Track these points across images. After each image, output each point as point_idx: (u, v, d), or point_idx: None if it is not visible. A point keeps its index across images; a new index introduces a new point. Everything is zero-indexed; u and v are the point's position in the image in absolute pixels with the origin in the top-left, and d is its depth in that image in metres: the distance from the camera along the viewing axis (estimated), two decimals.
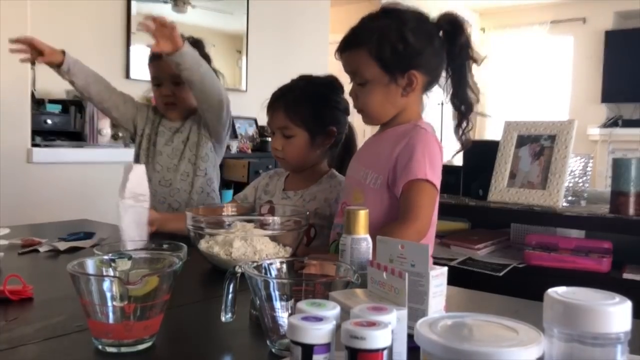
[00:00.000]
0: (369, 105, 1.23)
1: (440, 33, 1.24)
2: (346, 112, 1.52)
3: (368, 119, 1.27)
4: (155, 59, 1.74)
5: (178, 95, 1.74)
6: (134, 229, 1.31)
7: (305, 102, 1.44)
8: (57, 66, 1.70)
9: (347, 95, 1.54)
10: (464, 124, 1.23)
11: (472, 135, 1.30)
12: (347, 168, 1.36)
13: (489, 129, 6.96)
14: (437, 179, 1.17)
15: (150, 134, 1.82)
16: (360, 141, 1.64)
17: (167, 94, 1.74)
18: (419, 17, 1.23)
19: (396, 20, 1.20)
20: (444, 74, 1.25)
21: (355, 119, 1.48)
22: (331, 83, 1.52)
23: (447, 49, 1.23)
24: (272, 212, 1.37)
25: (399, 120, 1.24)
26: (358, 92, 1.24)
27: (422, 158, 1.15)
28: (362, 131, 1.65)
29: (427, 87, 1.25)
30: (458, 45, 1.23)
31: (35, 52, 1.65)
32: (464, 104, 1.24)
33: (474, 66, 1.26)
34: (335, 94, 1.51)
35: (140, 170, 1.36)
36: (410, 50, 1.18)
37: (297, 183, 1.52)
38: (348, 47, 1.23)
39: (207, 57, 1.78)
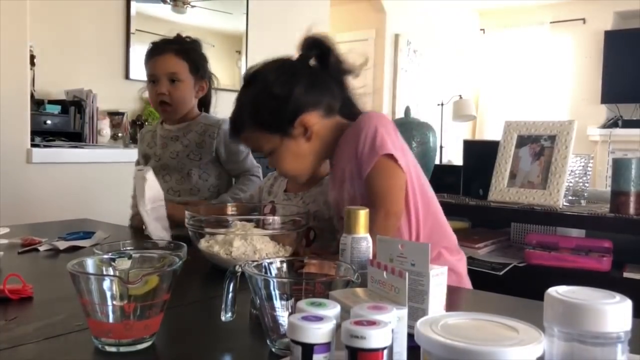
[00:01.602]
0: (287, 168, 1.24)
1: (312, 60, 1.24)
2: None
3: (298, 179, 1.28)
4: (153, 56, 1.72)
5: (173, 94, 1.71)
6: (159, 228, 1.42)
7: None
8: None
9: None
10: None
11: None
12: (331, 200, 1.34)
13: (489, 129, 6.96)
14: (397, 151, 1.15)
15: (153, 152, 1.82)
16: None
17: (163, 92, 1.70)
18: (278, 67, 1.23)
19: (258, 84, 1.21)
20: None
21: None
22: None
23: (326, 75, 1.23)
24: (273, 212, 1.37)
25: (335, 140, 1.25)
26: (273, 162, 1.25)
27: (375, 137, 1.14)
28: None
29: (331, 110, 1.24)
30: (331, 64, 1.23)
31: None
32: (348, 117, 1.26)
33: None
34: None
35: (152, 177, 1.44)
36: (283, 103, 1.18)
37: (298, 185, 1.52)
38: (236, 133, 1.26)
39: (204, 59, 1.78)
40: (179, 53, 1.71)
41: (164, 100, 1.71)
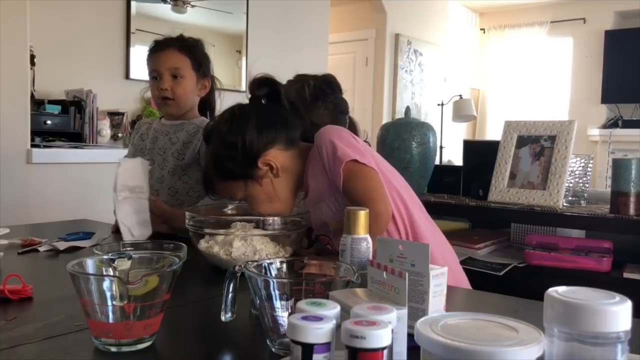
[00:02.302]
0: (266, 210, 1.24)
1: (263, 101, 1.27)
2: (345, 111, 1.51)
3: (287, 212, 1.27)
4: (156, 51, 1.71)
5: (176, 89, 1.69)
6: (132, 220, 1.34)
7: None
8: None
9: (345, 95, 1.54)
10: None
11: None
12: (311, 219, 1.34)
13: (489, 129, 6.97)
14: (360, 154, 1.15)
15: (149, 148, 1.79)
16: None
17: (165, 88, 1.68)
18: (229, 116, 1.25)
19: (214, 138, 1.25)
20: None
21: (355, 115, 1.47)
22: (327, 83, 1.51)
23: (279, 110, 1.26)
24: None
25: (304, 166, 1.26)
26: (254, 206, 1.26)
27: (334, 149, 1.15)
28: (362, 132, 1.65)
29: (294, 140, 1.26)
30: (282, 100, 1.26)
31: None
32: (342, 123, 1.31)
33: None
34: (333, 95, 1.49)
35: (130, 164, 1.40)
36: (239, 151, 1.20)
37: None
38: (209, 188, 1.30)
39: (206, 57, 1.77)
40: (182, 49, 1.70)
41: (166, 96, 1.69)
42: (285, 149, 1.24)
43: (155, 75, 1.70)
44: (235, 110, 1.25)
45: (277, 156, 1.22)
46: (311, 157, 1.23)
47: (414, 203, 1.25)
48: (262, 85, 1.26)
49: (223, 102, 1.83)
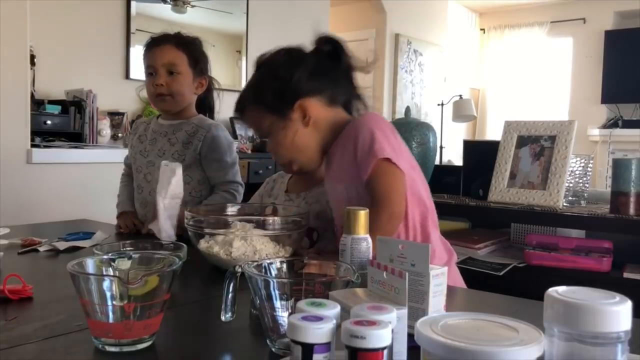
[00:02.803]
0: (284, 153, 1.25)
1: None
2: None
3: (298, 167, 1.28)
4: (152, 47, 1.69)
5: (172, 86, 1.66)
6: (169, 224, 1.39)
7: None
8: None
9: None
10: None
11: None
12: (326, 188, 1.35)
13: (489, 129, 6.97)
14: (396, 154, 1.15)
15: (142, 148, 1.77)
16: None
17: (160, 83, 1.65)
18: (287, 52, 1.27)
19: (265, 66, 1.26)
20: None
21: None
22: None
23: (335, 67, 1.26)
24: (274, 213, 1.36)
25: (335, 135, 1.25)
26: (270, 146, 1.27)
27: (372, 140, 1.15)
28: None
29: (334, 101, 1.26)
30: (342, 62, 1.26)
31: None
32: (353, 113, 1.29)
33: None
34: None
35: (180, 172, 1.42)
36: (285, 84, 1.20)
37: (300, 185, 1.51)
38: (240, 111, 1.29)
39: (204, 56, 1.75)
40: (178, 45, 1.68)
41: (161, 92, 1.66)
42: (325, 105, 1.24)
43: (151, 71, 1.67)
44: (294, 51, 1.26)
45: (315, 107, 1.22)
46: (345, 134, 1.23)
47: (431, 208, 1.26)
48: (327, 43, 1.26)
49: (222, 103, 1.83)
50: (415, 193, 1.21)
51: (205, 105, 1.81)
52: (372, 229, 1.07)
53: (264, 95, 1.22)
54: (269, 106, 1.22)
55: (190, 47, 1.71)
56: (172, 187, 1.40)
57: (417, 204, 1.22)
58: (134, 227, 1.66)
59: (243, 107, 1.28)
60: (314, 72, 1.22)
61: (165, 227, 1.38)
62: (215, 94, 1.83)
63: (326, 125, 1.25)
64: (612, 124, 5.92)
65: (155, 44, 1.68)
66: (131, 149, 1.83)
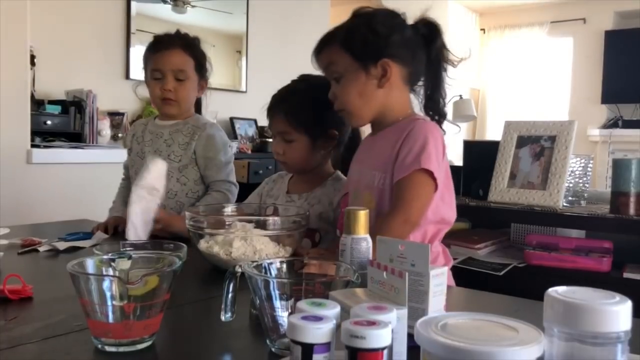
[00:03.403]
0: (346, 100, 1.23)
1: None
2: None
3: (351, 117, 1.27)
4: (160, 50, 1.66)
5: (179, 91, 1.66)
6: (140, 219, 1.33)
7: (306, 107, 1.41)
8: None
9: None
10: None
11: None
12: (349, 171, 1.35)
13: (489, 129, 6.97)
14: (439, 171, 1.15)
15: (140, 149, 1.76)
16: None
17: (169, 89, 1.64)
18: (388, 12, 1.25)
19: (365, 16, 1.24)
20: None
21: None
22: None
23: (425, 51, 1.25)
24: (275, 213, 1.36)
25: (392, 117, 1.24)
26: (336, 90, 1.24)
27: (423, 149, 1.15)
28: (368, 133, 1.64)
29: (410, 80, 1.25)
30: (435, 48, 1.25)
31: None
32: (436, 113, 1.27)
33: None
34: None
35: (162, 165, 1.39)
36: (378, 38, 1.19)
37: (301, 186, 1.51)
38: (322, 47, 1.26)
39: (203, 55, 1.74)
40: (186, 49, 1.67)
41: (168, 97, 1.66)
42: (402, 78, 1.23)
43: (158, 76, 1.66)
44: (397, 15, 1.25)
45: (395, 74, 1.21)
46: (400, 126, 1.22)
47: (449, 223, 1.25)
48: (426, 26, 1.26)
49: (223, 103, 1.83)
50: (439, 212, 1.21)
51: (196, 101, 1.80)
52: (384, 229, 1.07)
53: (354, 40, 1.20)
54: (354, 52, 1.20)
55: (195, 50, 1.70)
56: (149, 178, 1.34)
57: (435, 221, 1.21)
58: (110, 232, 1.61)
59: (325, 44, 1.25)
60: (407, 42, 1.22)
61: (135, 223, 1.31)
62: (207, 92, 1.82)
63: (393, 98, 1.24)
64: (612, 124, 5.92)
65: (163, 47, 1.66)
66: (129, 152, 1.83)
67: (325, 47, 1.26)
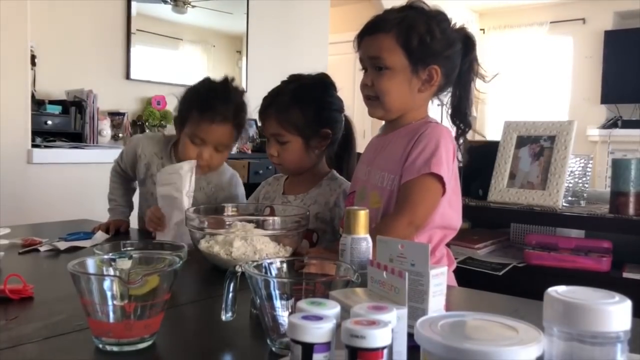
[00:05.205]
0: (387, 92, 1.20)
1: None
2: (340, 110, 1.50)
3: (380, 109, 1.23)
4: (212, 119, 1.50)
5: (214, 160, 1.56)
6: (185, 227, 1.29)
7: (296, 108, 1.40)
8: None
9: (340, 92, 1.53)
10: (461, 141, 1.25)
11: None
12: (356, 170, 1.35)
13: (489, 129, 6.96)
14: (449, 176, 1.15)
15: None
16: (359, 141, 1.63)
17: (206, 158, 1.54)
18: (444, 15, 1.23)
19: (423, 14, 1.20)
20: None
21: (355, 115, 1.43)
22: (322, 82, 1.48)
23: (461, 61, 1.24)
24: (272, 213, 1.36)
25: (409, 118, 1.24)
26: (375, 78, 1.20)
27: (434, 153, 1.14)
28: (362, 132, 1.64)
29: (439, 90, 1.25)
30: (468, 60, 1.24)
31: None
32: (463, 123, 1.26)
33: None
34: (327, 94, 1.46)
35: (191, 165, 1.43)
36: (436, 44, 1.17)
37: (297, 186, 1.51)
38: (373, 31, 1.21)
39: (244, 124, 1.63)
40: (236, 127, 1.58)
41: (202, 164, 1.53)
42: (439, 86, 1.22)
43: (198, 142, 1.53)
44: (450, 21, 1.22)
45: (437, 82, 1.20)
46: (412, 129, 1.21)
47: (456, 228, 1.27)
48: (463, 34, 1.23)
49: None
50: (446, 218, 1.21)
51: None
52: (388, 229, 1.07)
53: (412, 37, 1.16)
54: (410, 50, 1.17)
55: (242, 123, 1.62)
56: (192, 184, 1.38)
57: (442, 226, 1.22)
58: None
59: (378, 30, 1.20)
60: (456, 54, 1.21)
61: (183, 230, 1.29)
62: None
63: (420, 101, 1.24)
64: (611, 124, 5.91)
65: (216, 120, 1.51)
66: (141, 182, 1.72)
67: (377, 34, 1.20)
